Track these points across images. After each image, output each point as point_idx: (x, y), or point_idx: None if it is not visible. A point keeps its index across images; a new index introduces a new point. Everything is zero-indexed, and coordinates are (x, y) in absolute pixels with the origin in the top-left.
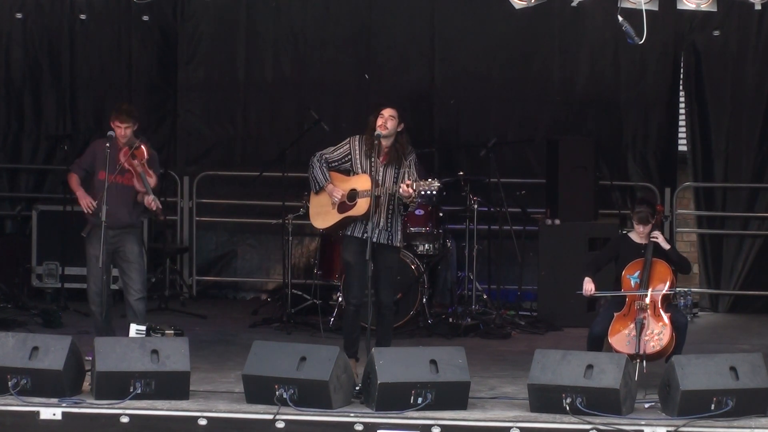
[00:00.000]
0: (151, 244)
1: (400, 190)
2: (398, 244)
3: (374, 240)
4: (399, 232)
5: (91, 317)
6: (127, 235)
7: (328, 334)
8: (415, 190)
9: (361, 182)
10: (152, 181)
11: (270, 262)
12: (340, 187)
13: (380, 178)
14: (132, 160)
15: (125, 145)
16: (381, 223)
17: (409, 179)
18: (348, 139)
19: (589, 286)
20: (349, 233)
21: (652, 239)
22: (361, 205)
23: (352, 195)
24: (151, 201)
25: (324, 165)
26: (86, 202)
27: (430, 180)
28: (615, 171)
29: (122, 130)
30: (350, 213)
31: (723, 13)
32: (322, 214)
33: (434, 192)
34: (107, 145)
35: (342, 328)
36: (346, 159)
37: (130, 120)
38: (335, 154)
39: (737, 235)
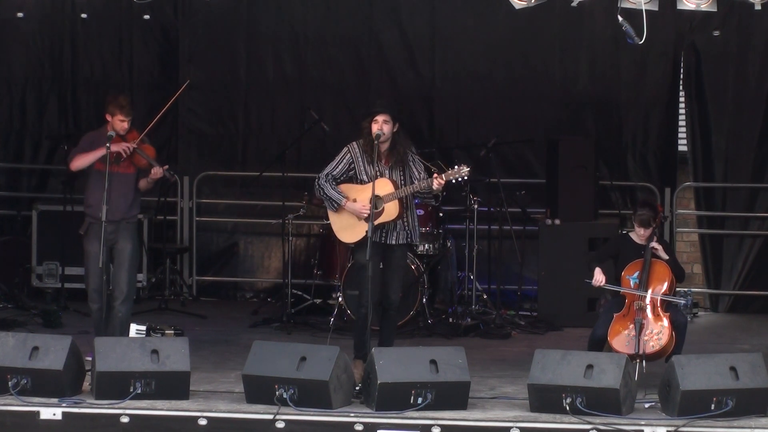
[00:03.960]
0: (151, 244)
1: (434, 185)
2: (417, 240)
3: (393, 242)
4: (417, 228)
5: (90, 317)
6: (123, 231)
7: (330, 335)
8: (446, 181)
9: (381, 187)
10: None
11: (270, 261)
12: (360, 197)
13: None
14: (138, 155)
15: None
16: (398, 225)
17: (422, 174)
18: (346, 148)
19: (600, 277)
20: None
21: (651, 249)
22: (390, 210)
23: (377, 203)
24: (159, 170)
25: (332, 182)
26: (123, 147)
27: (457, 167)
28: (615, 171)
29: (125, 124)
30: (381, 220)
31: (723, 13)
32: (349, 228)
33: (466, 178)
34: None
35: (343, 328)
36: (351, 168)
37: (132, 114)
38: (339, 167)
39: (737, 235)
